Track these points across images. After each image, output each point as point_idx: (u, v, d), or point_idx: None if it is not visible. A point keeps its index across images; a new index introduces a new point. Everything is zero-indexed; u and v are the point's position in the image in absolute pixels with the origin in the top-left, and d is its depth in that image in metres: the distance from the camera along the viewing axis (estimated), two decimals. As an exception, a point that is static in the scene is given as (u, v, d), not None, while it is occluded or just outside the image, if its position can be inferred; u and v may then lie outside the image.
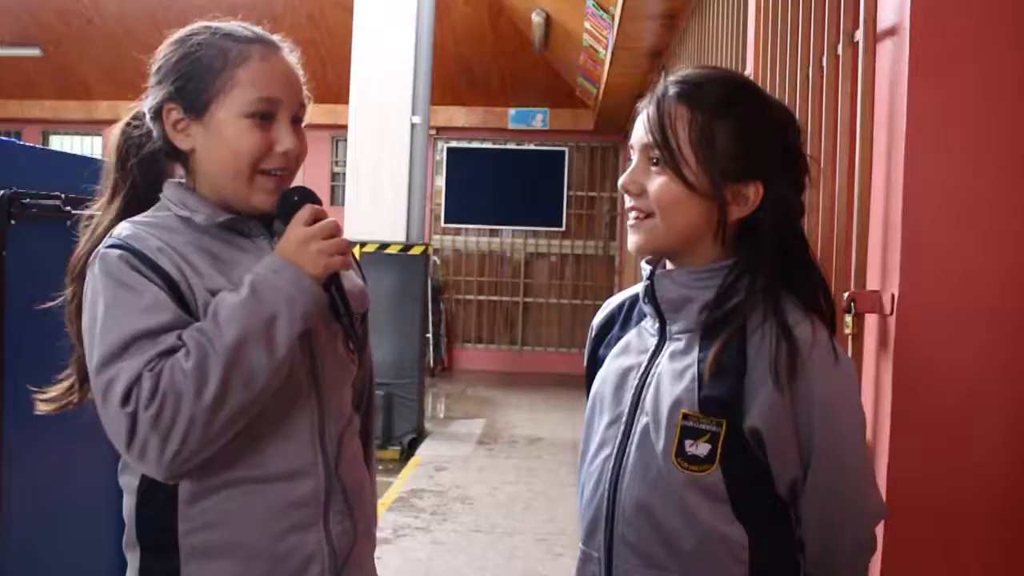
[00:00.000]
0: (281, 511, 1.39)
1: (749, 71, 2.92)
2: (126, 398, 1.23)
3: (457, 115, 11.18)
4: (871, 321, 1.80)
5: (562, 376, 10.42)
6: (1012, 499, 1.66)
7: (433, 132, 10.13)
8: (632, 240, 1.42)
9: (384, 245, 7.11)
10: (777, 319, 1.32)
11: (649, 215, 1.38)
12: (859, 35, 1.90)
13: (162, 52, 1.44)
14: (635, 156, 1.41)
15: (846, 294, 1.82)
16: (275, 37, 1.47)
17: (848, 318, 1.81)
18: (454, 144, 11.30)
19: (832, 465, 1.34)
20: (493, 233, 11.31)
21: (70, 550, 2.45)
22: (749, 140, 1.36)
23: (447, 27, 9.85)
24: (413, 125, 7.33)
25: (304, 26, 9.88)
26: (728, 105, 1.36)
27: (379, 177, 6.72)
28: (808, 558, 1.40)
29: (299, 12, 9.98)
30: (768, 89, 2.62)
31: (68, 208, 2.27)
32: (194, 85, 1.39)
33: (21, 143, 2.26)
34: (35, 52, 10.99)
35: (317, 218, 1.38)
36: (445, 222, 11.27)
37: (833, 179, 2.05)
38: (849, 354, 1.85)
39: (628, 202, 1.41)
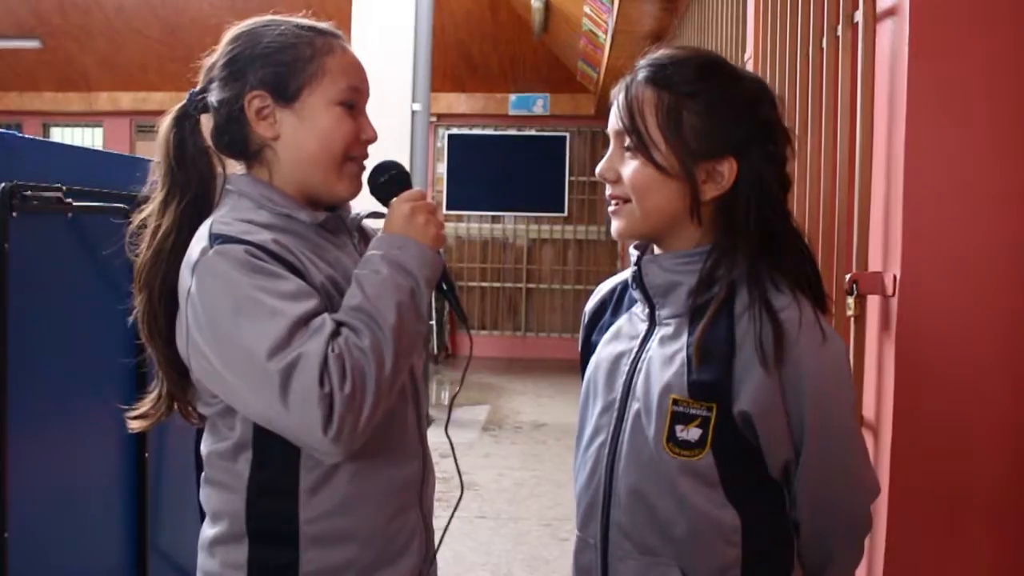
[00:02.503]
0: (394, 494, 1.45)
1: (749, 53, 2.92)
2: (321, 380, 1.21)
3: (458, 102, 11.16)
4: (873, 302, 1.80)
5: (566, 361, 10.41)
6: (1016, 478, 1.67)
7: (434, 119, 10.11)
8: (613, 227, 1.42)
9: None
10: (763, 302, 1.31)
11: (627, 201, 1.38)
12: (859, 16, 1.90)
13: (234, 44, 1.43)
14: (611, 143, 1.41)
15: (848, 275, 1.82)
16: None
17: (850, 299, 1.82)
18: (455, 131, 11.28)
19: (824, 444, 1.33)
20: (495, 220, 11.29)
21: (77, 546, 2.46)
22: (716, 117, 1.34)
23: (446, 13, 9.81)
24: (414, 112, 7.31)
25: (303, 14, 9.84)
26: (694, 83, 1.35)
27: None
28: (802, 538, 1.40)
29: None
30: (768, 71, 2.62)
31: (69, 200, 2.27)
32: (285, 72, 1.40)
33: (22, 135, 2.26)
34: (34, 44, 10.97)
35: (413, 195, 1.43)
36: (447, 209, 11.25)
37: (834, 160, 2.05)
38: (852, 335, 1.86)
39: (607, 189, 1.41)
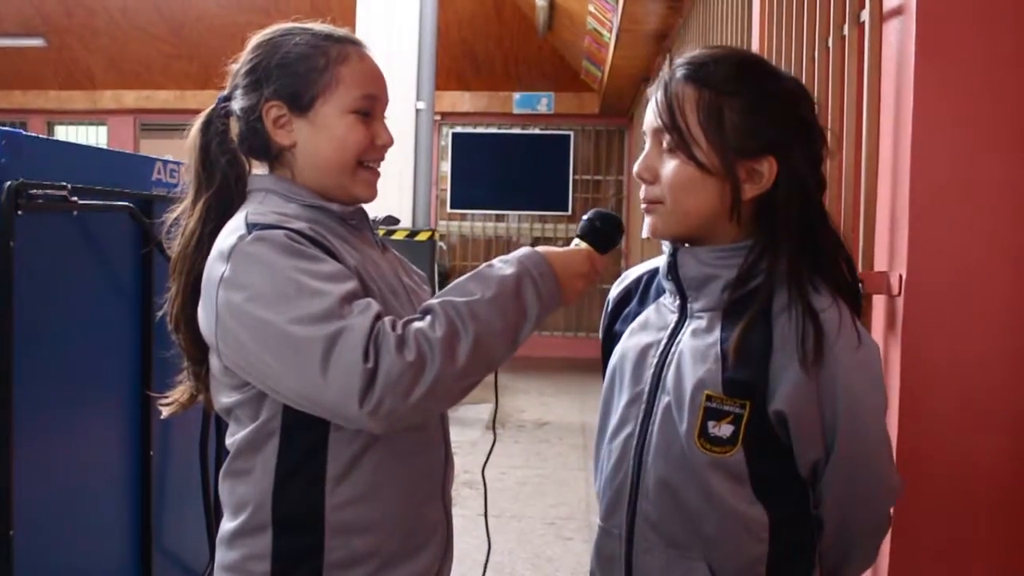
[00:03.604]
0: (417, 484, 1.48)
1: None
2: (365, 355, 1.22)
3: (462, 100, 11.15)
4: (879, 302, 1.80)
5: (569, 360, 10.42)
6: (1020, 480, 1.67)
7: (438, 117, 10.11)
8: (648, 223, 1.40)
9: (390, 231, 7.11)
10: (803, 302, 1.30)
11: (662, 202, 1.37)
12: (865, 15, 1.89)
13: (254, 53, 1.48)
14: (647, 142, 1.39)
15: (854, 275, 1.81)
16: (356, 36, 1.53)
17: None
18: (459, 129, 11.28)
19: (854, 445, 1.33)
20: (499, 218, 11.29)
21: (82, 544, 2.46)
22: (758, 115, 1.33)
23: (451, 12, 9.82)
24: (418, 111, 7.32)
25: (307, 12, 9.82)
26: (735, 82, 1.34)
27: (384, 163, 6.67)
28: (825, 537, 1.40)
29: (302, -2, 9.96)
30: (774, 71, 2.61)
31: (75, 198, 2.27)
32: (300, 83, 1.45)
33: (28, 133, 2.26)
34: (39, 42, 10.98)
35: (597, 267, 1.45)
36: (451, 208, 11.26)
37: (840, 160, 2.04)
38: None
39: (643, 190, 1.40)
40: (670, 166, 1.35)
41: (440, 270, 9.83)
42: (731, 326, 1.34)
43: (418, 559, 1.46)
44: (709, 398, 1.32)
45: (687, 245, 1.42)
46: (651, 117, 1.38)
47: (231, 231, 1.36)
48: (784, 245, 1.34)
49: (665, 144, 1.36)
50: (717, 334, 1.35)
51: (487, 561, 1.64)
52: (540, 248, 1.40)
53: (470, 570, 4.14)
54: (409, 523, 1.46)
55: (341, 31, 1.51)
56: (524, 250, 1.39)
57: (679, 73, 1.36)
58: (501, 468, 5.92)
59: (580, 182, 11.14)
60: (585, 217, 1.49)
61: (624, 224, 1.46)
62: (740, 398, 1.31)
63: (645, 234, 1.42)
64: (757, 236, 1.36)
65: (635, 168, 1.40)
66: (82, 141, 11.32)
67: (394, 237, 7.08)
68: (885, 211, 1.78)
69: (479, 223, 11.29)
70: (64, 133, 11.84)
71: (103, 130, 11.78)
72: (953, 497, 1.69)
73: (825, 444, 1.33)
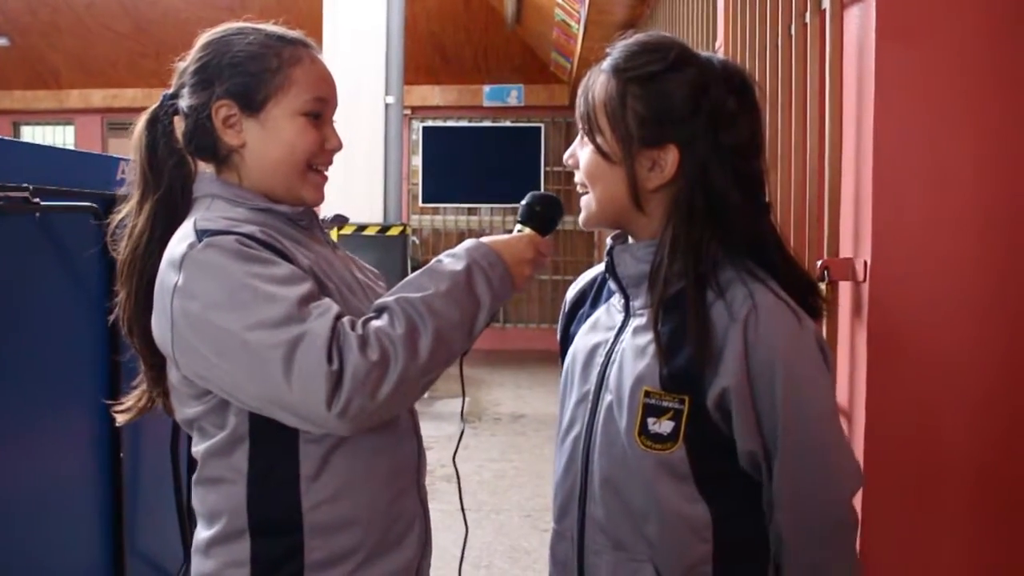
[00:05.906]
0: (393, 477, 1.46)
1: (719, 41, 2.92)
2: (329, 357, 1.22)
3: (431, 94, 11.12)
4: (844, 289, 1.81)
5: (545, 352, 10.41)
6: (988, 458, 1.68)
7: (408, 112, 10.08)
8: (580, 215, 1.41)
9: (362, 227, 7.08)
10: (698, 293, 1.29)
11: (585, 187, 1.39)
12: (826, 2, 1.90)
13: (204, 51, 1.45)
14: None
15: (819, 262, 1.83)
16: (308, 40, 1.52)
17: (822, 286, 1.82)
18: (429, 123, 11.24)
19: (799, 432, 1.27)
20: (471, 211, 11.27)
21: (52, 549, 2.44)
22: (659, 104, 1.31)
23: (419, 5, 9.78)
24: (387, 105, 7.29)
25: (273, 8, 9.77)
26: (638, 70, 1.33)
27: (354, 159, 6.64)
28: (785, 550, 1.32)
29: (269, -6, 9.89)
30: (738, 59, 2.62)
31: (37, 199, 2.24)
32: (251, 83, 1.42)
33: (-13, 135, 2.23)
34: (2, 42, 10.84)
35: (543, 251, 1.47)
36: (423, 202, 11.23)
37: (804, 147, 2.05)
38: (824, 322, 1.86)
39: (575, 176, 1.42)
40: (583, 154, 1.38)
41: (413, 265, 9.81)
42: (668, 321, 1.31)
43: (399, 552, 1.45)
44: (648, 394, 1.31)
45: (630, 240, 1.41)
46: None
47: (181, 239, 1.34)
48: (683, 238, 1.31)
49: (581, 132, 1.38)
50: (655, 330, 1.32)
51: (464, 544, 1.64)
52: (484, 239, 1.41)
53: (448, 564, 4.15)
54: (387, 517, 1.44)
55: (293, 32, 1.49)
56: (470, 242, 1.40)
57: (603, 62, 1.37)
58: (478, 461, 5.92)
59: (552, 174, 11.14)
60: (524, 202, 1.50)
61: (559, 203, 1.49)
62: (678, 392, 1.29)
63: (580, 224, 1.43)
64: (666, 229, 1.34)
65: (565, 155, 1.43)
66: (49, 142, 11.20)
67: (366, 232, 7.06)
68: (849, 197, 1.80)
69: (451, 217, 11.27)
70: (31, 134, 11.70)
71: (70, 130, 11.66)
72: (920, 481, 1.70)
73: (763, 435, 1.29)
